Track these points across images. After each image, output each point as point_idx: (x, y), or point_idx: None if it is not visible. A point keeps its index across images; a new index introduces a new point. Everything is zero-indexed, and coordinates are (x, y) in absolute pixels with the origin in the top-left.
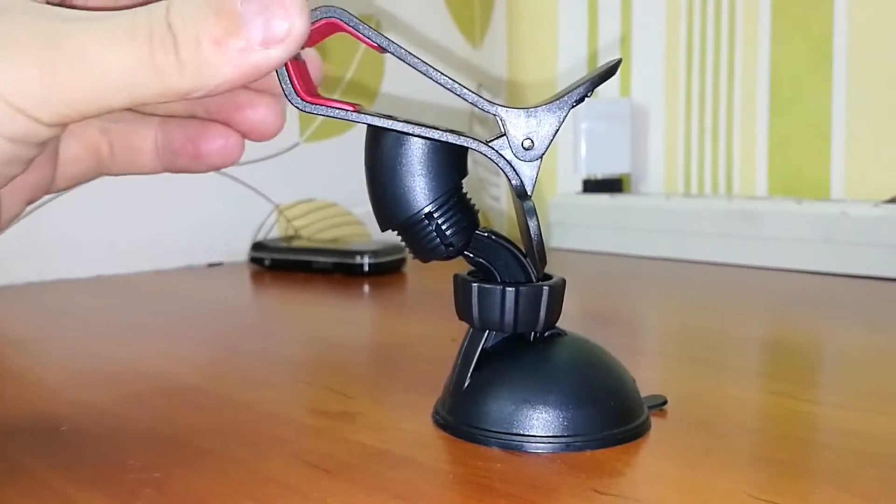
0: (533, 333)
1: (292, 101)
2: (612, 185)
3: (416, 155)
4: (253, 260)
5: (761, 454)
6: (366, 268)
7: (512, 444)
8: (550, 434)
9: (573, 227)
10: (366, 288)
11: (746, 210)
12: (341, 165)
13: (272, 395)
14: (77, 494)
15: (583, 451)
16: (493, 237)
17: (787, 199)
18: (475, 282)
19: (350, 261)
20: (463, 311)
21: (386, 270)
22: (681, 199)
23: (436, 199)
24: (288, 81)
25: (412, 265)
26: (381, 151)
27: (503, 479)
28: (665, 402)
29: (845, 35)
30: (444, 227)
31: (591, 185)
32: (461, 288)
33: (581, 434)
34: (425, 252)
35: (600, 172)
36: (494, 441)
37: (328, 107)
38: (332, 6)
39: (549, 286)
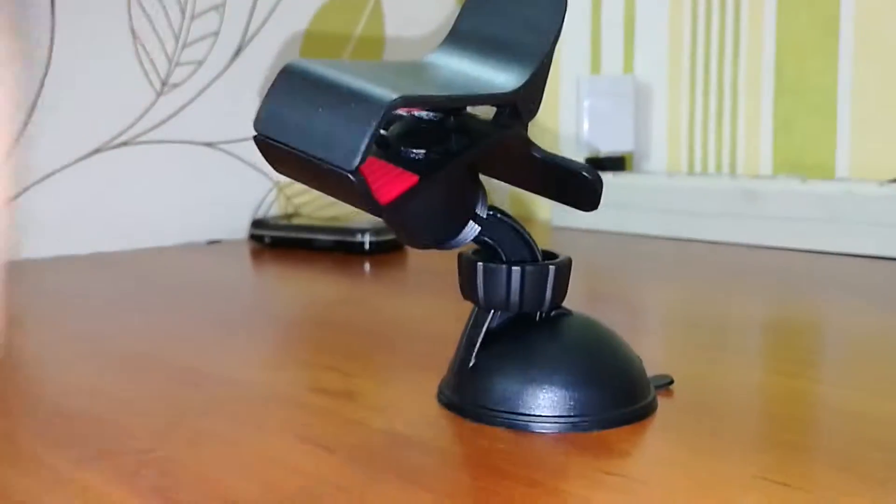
0: (539, 313)
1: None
2: (614, 164)
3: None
4: (253, 237)
5: (768, 436)
6: (367, 246)
7: (518, 424)
8: (557, 414)
9: None
10: (367, 266)
11: (750, 189)
12: None
13: (272, 375)
14: (78, 474)
15: (589, 432)
16: (499, 215)
17: (792, 177)
18: (480, 261)
19: (351, 239)
20: (468, 290)
21: (387, 249)
22: (684, 177)
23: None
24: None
25: None
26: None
27: (509, 460)
28: (671, 382)
29: (852, 13)
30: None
31: (594, 163)
32: (466, 267)
33: (587, 414)
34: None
35: (603, 150)
36: (500, 421)
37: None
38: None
39: (555, 265)
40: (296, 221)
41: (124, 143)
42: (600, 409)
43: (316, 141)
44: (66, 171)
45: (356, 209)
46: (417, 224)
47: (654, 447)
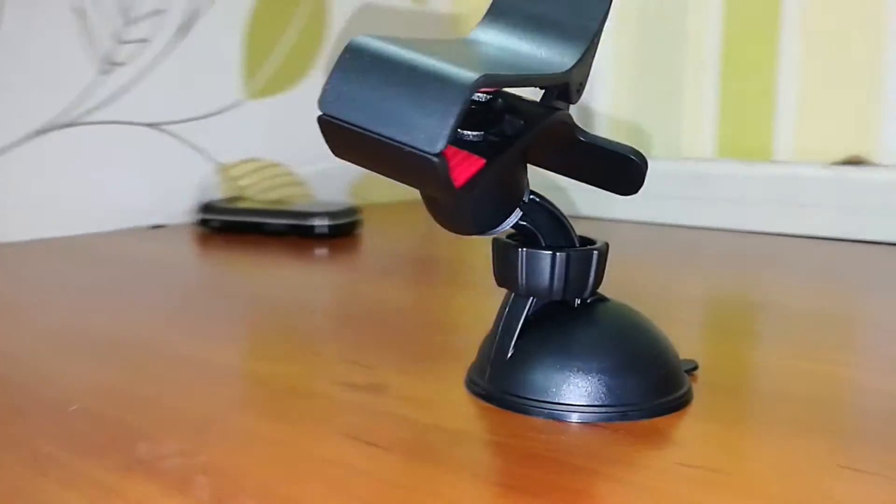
0: (577, 300)
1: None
2: None
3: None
4: (202, 222)
5: (824, 423)
6: (322, 230)
7: (564, 415)
8: (603, 403)
9: None
10: (322, 251)
11: (698, 171)
12: (286, 124)
13: (288, 368)
14: (123, 484)
15: (636, 421)
16: (537, 199)
17: (738, 160)
18: (522, 246)
19: (306, 223)
20: (506, 277)
21: (342, 233)
22: None
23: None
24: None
25: (366, 227)
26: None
27: (574, 453)
28: (696, 367)
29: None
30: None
31: None
32: (506, 253)
33: (633, 403)
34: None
35: None
36: (545, 411)
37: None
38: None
39: (597, 250)
40: (243, 205)
41: (66, 125)
42: (645, 397)
43: (395, 123)
44: (5, 155)
45: (300, 192)
46: (476, 208)
47: (712, 435)
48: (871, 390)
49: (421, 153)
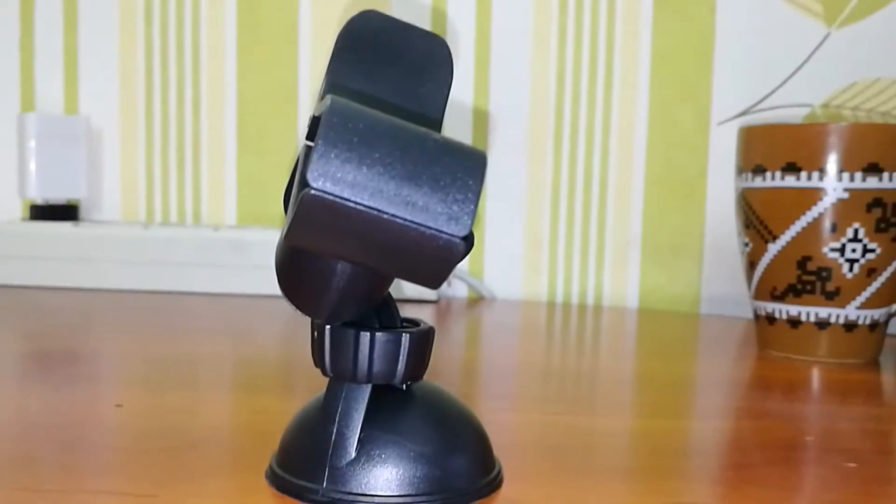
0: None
1: None
2: (65, 212)
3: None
4: None
5: (617, 466)
6: None
7: None
8: (464, 486)
9: (22, 260)
10: None
11: (234, 239)
12: None
13: None
14: None
15: (488, 497)
16: None
17: (272, 228)
18: (365, 330)
19: None
20: (343, 364)
21: None
22: (160, 227)
23: None
24: None
25: None
26: None
27: None
28: None
29: (308, 79)
30: None
31: (41, 212)
32: (343, 339)
33: (482, 479)
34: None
35: (51, 197)
36: None
37: None
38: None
39: (433, 328)
40: None
41: None
42: (486, 470)
43: (412, 204)
44: None
45: None
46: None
47: (561, 493)
48: (607, 433)
49: (446, 236)
